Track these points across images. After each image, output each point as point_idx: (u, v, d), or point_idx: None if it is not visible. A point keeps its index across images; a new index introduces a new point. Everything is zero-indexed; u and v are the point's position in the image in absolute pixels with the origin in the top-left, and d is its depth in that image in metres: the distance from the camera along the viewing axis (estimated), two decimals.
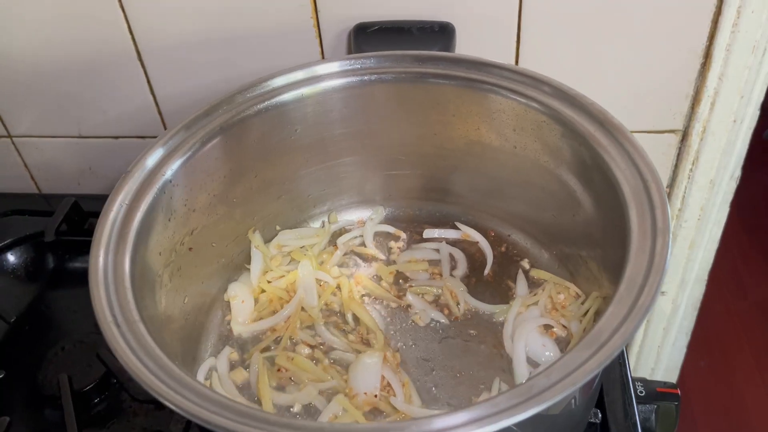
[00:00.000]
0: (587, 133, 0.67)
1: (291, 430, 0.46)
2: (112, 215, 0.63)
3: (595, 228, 0.70)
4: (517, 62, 0.90)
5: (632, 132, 0.94)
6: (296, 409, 0.71)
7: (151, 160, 0.69)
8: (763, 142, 2.58)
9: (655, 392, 0.82)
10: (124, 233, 0.62)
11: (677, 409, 0.83)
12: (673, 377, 1.37)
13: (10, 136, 1.06)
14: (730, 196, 1.09)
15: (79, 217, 0.99)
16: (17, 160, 1.08)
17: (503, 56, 0.88)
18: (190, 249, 0.74)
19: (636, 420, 0.71)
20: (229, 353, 0.76)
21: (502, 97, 0.74)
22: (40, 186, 1.12)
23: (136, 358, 0.51)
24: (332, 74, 0.77)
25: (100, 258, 0.59)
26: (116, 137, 1.05)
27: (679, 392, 0.83)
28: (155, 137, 1.01)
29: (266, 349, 0.76)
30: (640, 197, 0.59)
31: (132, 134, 1.04)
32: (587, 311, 0.72)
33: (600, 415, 0.70)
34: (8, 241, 0.99)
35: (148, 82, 0.97)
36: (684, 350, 1.33)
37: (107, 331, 0.52)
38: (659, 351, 1.28)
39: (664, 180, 1.02)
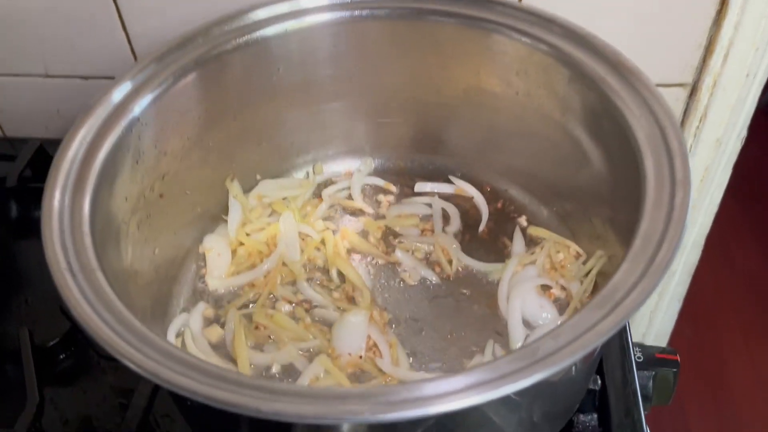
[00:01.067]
0: (598, 77, 0.61)
1: (265, 393, 0.40)
2: (71, 153, 0.56)
3: (603, 182, 0.64)
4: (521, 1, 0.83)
5: None
6: (275, 369, 0.66)
7: (118, 94, 0.62)
8: (755, 110, 2.54)
9: (653, 358, 0.78)
10: (84, 173, 0.56)
11: (675, 377, 0.79)
12: (662, 344, 1.34)
13: None
14: (734, 157, 1.04)
15: (45, 162, 0.92)
16: None
17: None
18: (161, 195, 0.67)
19: (636, 387, 0.67)
20: (203, 309, 0.71)
21: (505, 37, 0.68)
22: (5, 129, 1.04)
23: (92, 309, 0.45)
24: (320, 8, 0.71)
25: (55, 199, 0.53)
26: (85, 77, 0.97)
27: (678, 359, 0.79)
28: None
29: (244, 305, 0.71)
30: (656, 145, 0.54)
31: (102, 75, 0.96)
32: (589, 271, 0.67)
33: (600, 382, 0.65)
34: None
35: (120, 17, 0.90)
36: (675, 317, 1.30)
37: (60, 279, 0.47)
38: (651, 317, 1.25)
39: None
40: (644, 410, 0.71)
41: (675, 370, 0.78)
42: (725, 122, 0.94)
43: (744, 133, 1.01)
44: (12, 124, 1.03)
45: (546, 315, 0.68)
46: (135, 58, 0.94)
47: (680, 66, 0.88)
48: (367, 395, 0.40)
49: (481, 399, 0.39)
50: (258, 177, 0.80)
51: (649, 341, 1.30)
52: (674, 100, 0.92)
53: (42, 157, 0.93)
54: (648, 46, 0.86)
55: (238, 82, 0.71)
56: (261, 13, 0.70)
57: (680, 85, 0.90)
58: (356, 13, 0.71)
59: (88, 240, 0.51)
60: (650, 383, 0.77)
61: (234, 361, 0.66)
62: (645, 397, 0.77)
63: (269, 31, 0.70)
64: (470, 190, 0.80)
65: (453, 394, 0.39)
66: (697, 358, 1.91)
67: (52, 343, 0.76)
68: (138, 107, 0.62)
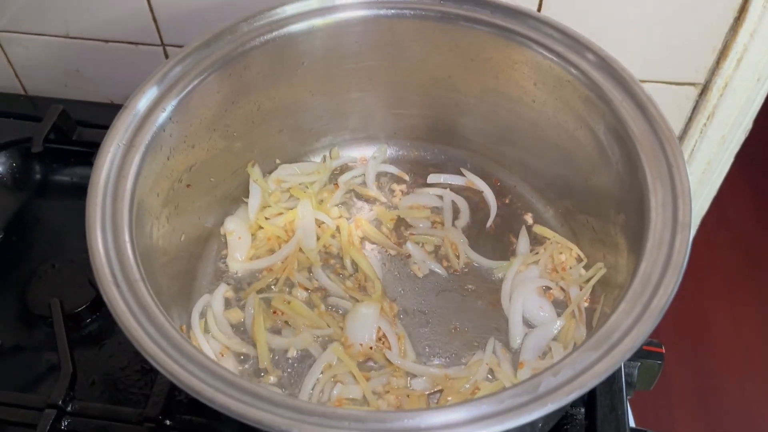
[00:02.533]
0: (614, 102, 0.63)
1: (295, 412, 0.46)
2: (109, 157, 0.59)
3: (608, 197, 0.68)
4: (541, 1, 0.84)
5: (650, 81, 0.91)
6: (291, 353, 0.71)
7: (149, 94, 0.64)
8: None
9: (640, 350, 0.83)
10: (123, 176, 0.59)
11: (660, 367, 0.85)
12: None
13: None
14: (737, 148, 1.07)
15: (67, 126, 0.95)
16: (1, 56, 1.01)
17: None
18: (188, 186, 0.71)
19: (622, 384, 0.72)
20: (224, 291, 0.75)
21: (527, 48, 0.69)
22: (26, 86, 1.05)
23: (137, 323, 0.50)
24: (347, 6, 0.72)
25: (97, 207, 0.56)
26: (106, 41, 0.98)
27: (663, 351, 0.85)
28: (148, 44, 0.97)
29: (262, 289, 0.75)
30: (663, 184, 0.57)
31: (123, 39, 0.97)
32: (589, 279, 0.71)
33: None
34: None
35: None
36: None
37: (109, 293, 0.51)
38: None
39: (675, 133, 0.99)
40: (628, 395, 0.78)
41: (660, 362, 0.84)
42: (732, 121, 0.96)
43: (750, 126, 1.04)
44: (33, 81, 1.05)
45: (544, 314, 0.73)
46: (156, 25, 0.94)
47: (694, 66, 0.90)
48: (375, 419, 0.45)
49: None
50: (277, 161, 0.83)
51: None
52: (684, 97, 0.94)
53: (64, 120, 0.95)
54: (665, 45, 0.88)
55: (263, 76, 0.73)
56: (289, 9, 0.71)
57: (692, 84, 0.92)
58: (382, 12, 0.72)
59: (129, 248, 0.54)
60: (635, 372, 0.83)
61: (253, 343, 0.71)
62: (630, 384, 0.83)
63: (296, 27, 0.71)
64: (481, 184, 0.83)
65: (457, 426, 0.44)
66: (680, 313, 1.98)
67: (79, 309, 0.81)
68: (169, 106, 0.65)
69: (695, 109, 0.95)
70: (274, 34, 0.71)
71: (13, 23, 0.98)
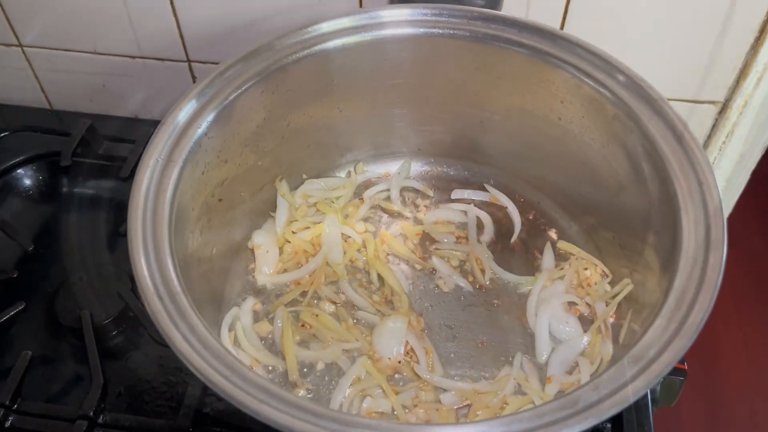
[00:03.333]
0: (643, 120, 0.64)
1: (343, 425, 0.46)
2: (148, 172, 0.60)
3: (637, 215, 0.68)
4: (564, 20, 0.85)
5: (671, 100, 0.93)
6: (320, 367, 0.72)
7: (187, 109, 0.65)
8: None
9: None
10: (162, 191, 0.60)
11: (681, 384, 0.85)
12: None
13: (20, 45, 1.00)
14: (754, 165, 1.08)
15: (94, 140, 0.96)
16: (28, 71, 1.03)
17: (551, 14, 0.84)
18: (220, 200, 0.72)
19: (648, 401, 0.73)
20: (252, 304, 0.76)
21: (555, 67, 0.71)
22: (52, 100, 1.07)
23: (181, 335, 0.50)
24: (379, 24, 0.73)
25: (138, 221, 0.57)
26: (133, 57, 0.99)
27: (686, 367, 0.85)
28: (175, 61, 0.98)
29: (290, 302, 0.76)
30: (694, 202, 0.58)
31: (151, 55, 0.99)
32: (615, 295, 0.72)
33: None
34: (22, 158, 0.96)
35: (171, 3, 0.91)
36: None
37: (153, 305, 0.51)
38: None
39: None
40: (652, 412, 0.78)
41: (682, 378, 0.85)
42: (751, 139, 0.97)
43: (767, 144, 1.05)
44: (59, 95, 1.06)
45: (571, 330, 0.73)
46: (183, 42, 0.96)
47: (713, 85, 0.91)
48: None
49: None
50: (304, 176, 0.84)
51: None
52: (704, 116, 0.95)
53: (92, 135, 0.96)
54: (686, 64, 0.89)
55: (296, 93, 0.74)
56: (325, 27, 0.72)
57: (712, 102, 0.93)
58: (411, 31, 0.73)
59: (169, 262, 0.55)
60: (658, 388, 0.84)
61: (282, 355, 0.72)
62: (653, 401, 0.83)
63: (330, 44, 0.72)
64: (504, 200, 0.84)
65: None
66: None
67: (106, 321, 0.82)
68: (205, 122, 0.66)
69: (715, 127, 0.96)
70: (307, 51, 0.72)
71: (40, 39, 1.00)
